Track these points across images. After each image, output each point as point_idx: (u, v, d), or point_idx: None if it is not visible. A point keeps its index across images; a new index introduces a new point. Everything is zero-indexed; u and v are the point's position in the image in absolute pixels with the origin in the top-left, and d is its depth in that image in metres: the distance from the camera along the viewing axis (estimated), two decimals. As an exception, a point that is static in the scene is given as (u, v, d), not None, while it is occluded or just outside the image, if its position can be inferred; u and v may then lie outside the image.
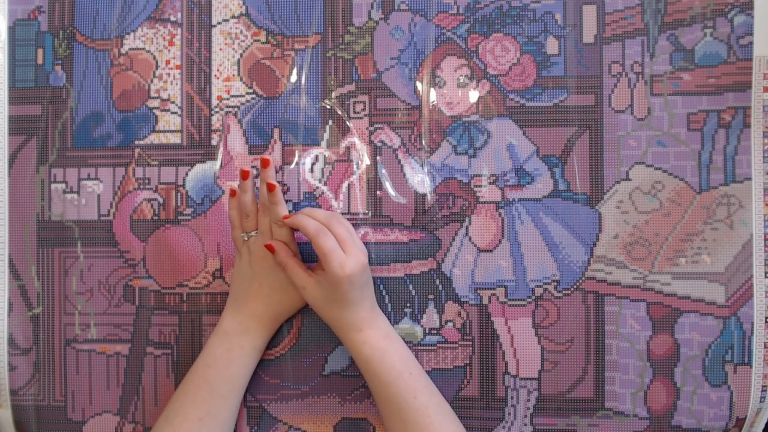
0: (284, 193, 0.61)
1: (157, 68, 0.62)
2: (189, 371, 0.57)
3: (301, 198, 0.61)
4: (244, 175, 0.57)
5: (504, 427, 0.60)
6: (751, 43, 0.58)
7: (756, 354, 0.59)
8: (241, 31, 0.62)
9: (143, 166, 0.62)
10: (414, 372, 0.55)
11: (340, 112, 0.61)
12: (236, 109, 0.61)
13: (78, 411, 0.62)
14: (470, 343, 0.60)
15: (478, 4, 0.60)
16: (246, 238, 0.58)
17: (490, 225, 0.60)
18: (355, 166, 0.61)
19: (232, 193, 0.58)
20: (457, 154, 0.60)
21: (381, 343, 0.55)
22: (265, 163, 0.57)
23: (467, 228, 0.60)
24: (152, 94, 0.62)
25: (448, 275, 0.60)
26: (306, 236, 0.54)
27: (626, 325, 0.60)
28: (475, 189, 0.60)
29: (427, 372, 0.60)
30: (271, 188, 0.55)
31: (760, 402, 0.59)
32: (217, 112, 0.61)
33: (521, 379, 0.60)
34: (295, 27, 0.61)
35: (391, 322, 0.59)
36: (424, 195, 0.60)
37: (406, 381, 0.54)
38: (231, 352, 0.56)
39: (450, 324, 0.60)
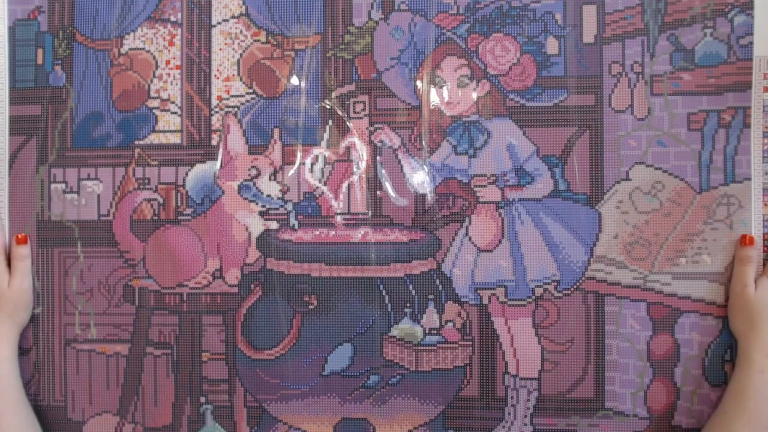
0: (284, 193, 0.61)
1: (157, 68, 0.62)
2: None
3: (301, 198, 0.61)
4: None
5: (504, 427, 0.60)
6: (751, 43, 0.58)
7: (756, 354, 0.59)
8: (241, 31, 0.62)
9: (143, 166, 0.62)
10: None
11: (340, 112, 0.61)
12: (236, 109, 0.61)
13: (78, 411, 0.62)
14: (470, 343, 0.60)
15: (478, 4, 0.60)
16: None
17: (490, 225, 0.60)
18: (355, 166, 0.61)
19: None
20: (457, 154, 0.60)
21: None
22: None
23: (467, 228, 0.60)
24: (152, 94, 0.62)
25: (448, 275, 0.60)
26: None
27: (626, 325, 0.60)
28: (475, 189, 0.60)
29: (427, 372, 0.60)
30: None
31: (760, 402, 0.59)
32: (217, 112, 0.61)
33: (521, 379, 0.60)
34: (295, 27, 0.61)
35: (391, 322, 0.59)
36: (424, 195, 0.60)
37: None
38: None
39: (450, 324, 0.60)
